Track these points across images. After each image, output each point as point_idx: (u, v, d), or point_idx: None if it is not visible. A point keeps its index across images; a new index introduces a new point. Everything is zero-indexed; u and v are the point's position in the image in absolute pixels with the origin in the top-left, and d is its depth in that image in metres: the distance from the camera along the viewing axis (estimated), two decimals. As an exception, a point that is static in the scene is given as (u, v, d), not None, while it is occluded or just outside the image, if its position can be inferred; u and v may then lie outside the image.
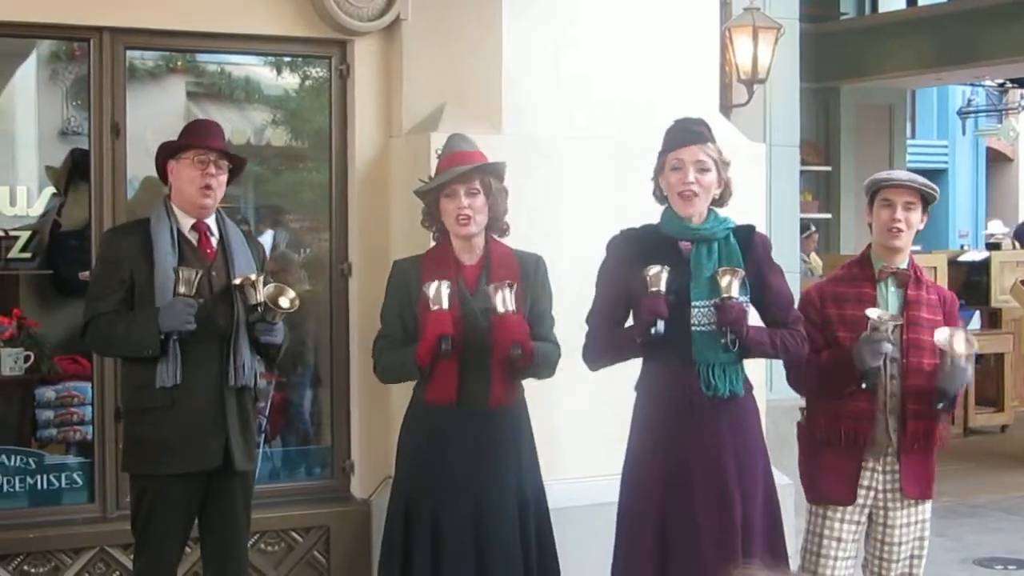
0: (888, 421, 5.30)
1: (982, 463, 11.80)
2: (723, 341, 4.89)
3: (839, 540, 5.40)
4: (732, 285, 4.86)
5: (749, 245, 5.07)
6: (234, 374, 5.30)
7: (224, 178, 5.41)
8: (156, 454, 5.27)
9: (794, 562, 5.59)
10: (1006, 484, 10.80)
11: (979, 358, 13.34)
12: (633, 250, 5.06)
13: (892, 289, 5.35)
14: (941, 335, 5.21)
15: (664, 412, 5.02)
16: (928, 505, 5.44)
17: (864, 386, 5.17)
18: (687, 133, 5.02)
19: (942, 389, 5.21)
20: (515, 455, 5.29)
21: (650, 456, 5.04)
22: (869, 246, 5.50)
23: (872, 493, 5.36)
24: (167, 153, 5.42)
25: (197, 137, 5.42)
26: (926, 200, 5.39)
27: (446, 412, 5.18)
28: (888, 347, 5.12)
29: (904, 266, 5.38)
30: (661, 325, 4.84)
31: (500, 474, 5.23)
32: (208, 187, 5.33)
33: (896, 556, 5.41)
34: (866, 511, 5.39)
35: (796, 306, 5.30)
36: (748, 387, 5.11)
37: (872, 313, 5.17)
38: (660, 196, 5.15)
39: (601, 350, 5.16)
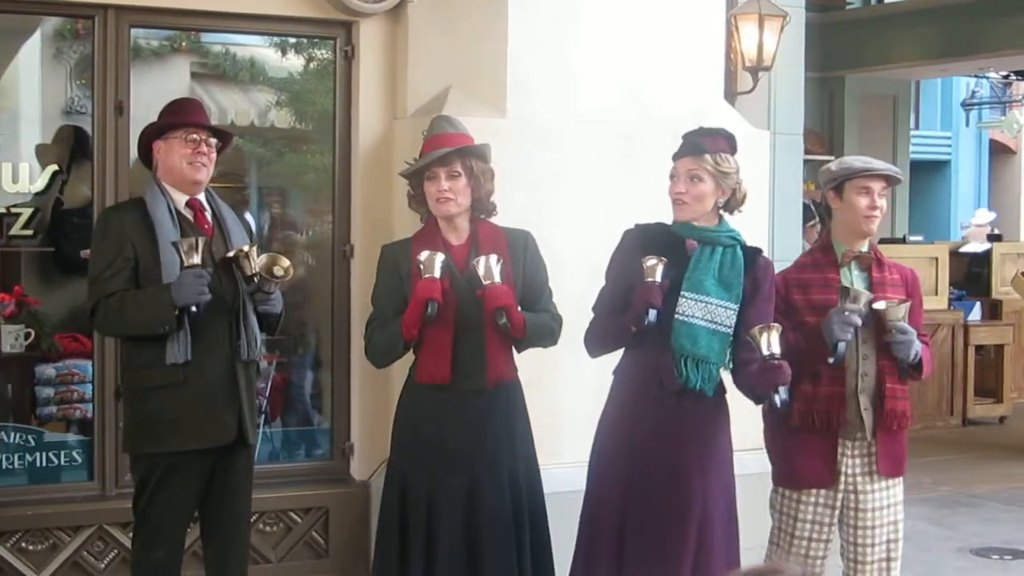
0: (860, 401, 5.34)
1: (981, 454, 11.81)
2: (777, 399, 4.92)
3: (818, 524, 5.42)
4: (772, 340, 4.91)
5: (753, 263, 5.15)
6: (246, 347, 5.30)
7: (214, 155, 5.41)
8: (168, 432, 5.22)
9: (757, 552, 5.59)
10: (1004, 475, 10.80)
11: (979, 349, 13.37)
12: (641, 243, 5.14)
13: (856, 272, 5.42)
14: (878, 304, 5.28)
15: (634, 394, 5.11)
16: (900, 487, 5.46)
17: (831, 361, 5.19)
18: (686, 144, 5.14)
19: (900, 361, 5.31)
20: (508, 433, 5.31)
21: (615, 435, 5.15)
22: (829, 232, 5.55)
23: (844, 477, 5.39)
24: (154, 133, 5.41)
25: (186, 115, 5.41)
26: (895, 182, 5.56)
27: (440, 390, 5.21)
28: (858, 320, 5.16)
29: (865, 249, 5.46)
30: (653, 314, 4.91)
31: (494, 452, 5.25)
32: (200, 163, 5.33)
33: (872, 540, 5.42)
34: (839, 495, 5.41)
35: None
36: (720, 391, 5.16)
37: (847, 284, 5.28)
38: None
39: (599, 338, 5.25)
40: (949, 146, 27.28)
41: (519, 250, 5.34)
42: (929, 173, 25.67)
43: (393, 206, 6.80)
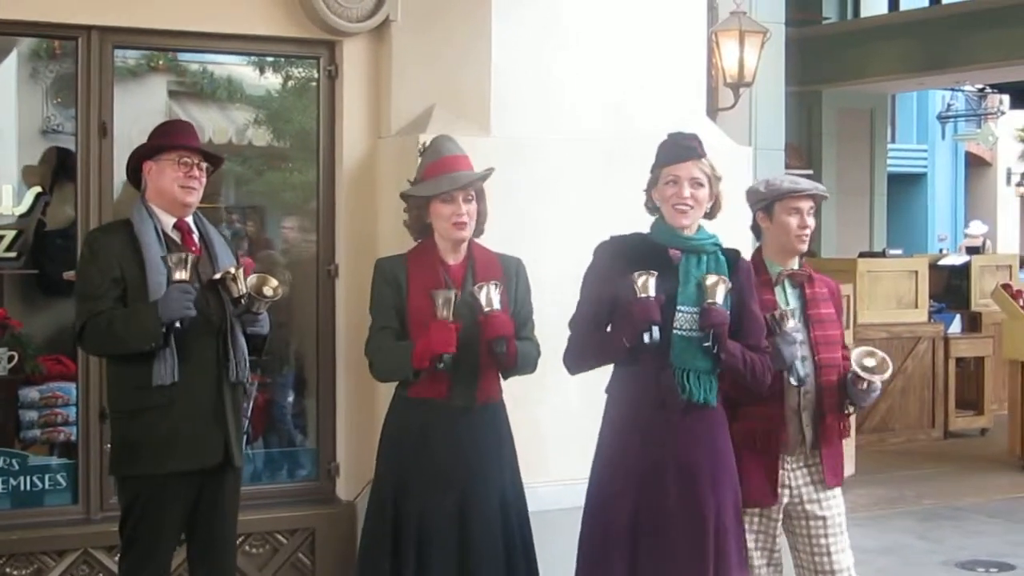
0: (802, 418, 5.36)
1: (962, 466, 11.84)
2: (705, 344, 4.92)
3: (762, 534, 5.44)
4: (718, 292, 4.91)
5: (735, 268, 5.12)
6: (235, 369, 5.29)
7: (204, 178, 5.40)
8: (154, 454, 5.19)
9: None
10: (987, 487, 10.84)
11: (959, 361, 13.42)
12: (621, 257, 5.07)
13: (790, 290, 5.46)
14: (857, 356, 5.35)
15: (637, 413, 5.03)
16: (839, 492, 5.50)
17: (794, 382, 5.24)
18: (683, 149, 5.07)
19: (854, 403, 5.43)
20: (497, 451, 5.32)
21: (621, 457, 5.05)
22: (759, 250, 5.58)
23: (788, 491, 5.41)
24: (145, 154, 5.39)
25: (179, 138, 5.40)
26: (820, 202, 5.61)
27: (431, 407, 5.21)
28: (800, 336, 5.23)
29: (797, 266, 5.50)
30: (656, 331, 4.85)
31: (483, 470, 5.26)
32: (192, 187, 5.32)
33: (828, 549, 5.44)
34: (781, 511, 5.43)
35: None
36: (718, 398, 5.12)
37: (781, 302, 5.35)
38: (652, 207, 5.18)
39: (582, 354, 5.17)
40: (925, 159, 27.45)
41: (511, 276, 5.36)
42: (906, 186, 25.81)
43: (378, 225, 6.79)
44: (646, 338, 4.85)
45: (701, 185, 5.03)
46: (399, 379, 5.31)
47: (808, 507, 5.42)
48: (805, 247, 5.47)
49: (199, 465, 5.24)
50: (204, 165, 5.38)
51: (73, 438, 6.73)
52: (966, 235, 21.24)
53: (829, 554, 5.44)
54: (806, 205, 5.46)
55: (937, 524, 9.48)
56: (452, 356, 5.05)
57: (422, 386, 5.19)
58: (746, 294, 5.12)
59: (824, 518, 5.42)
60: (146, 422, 5.19)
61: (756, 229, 5.62)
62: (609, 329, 5.07)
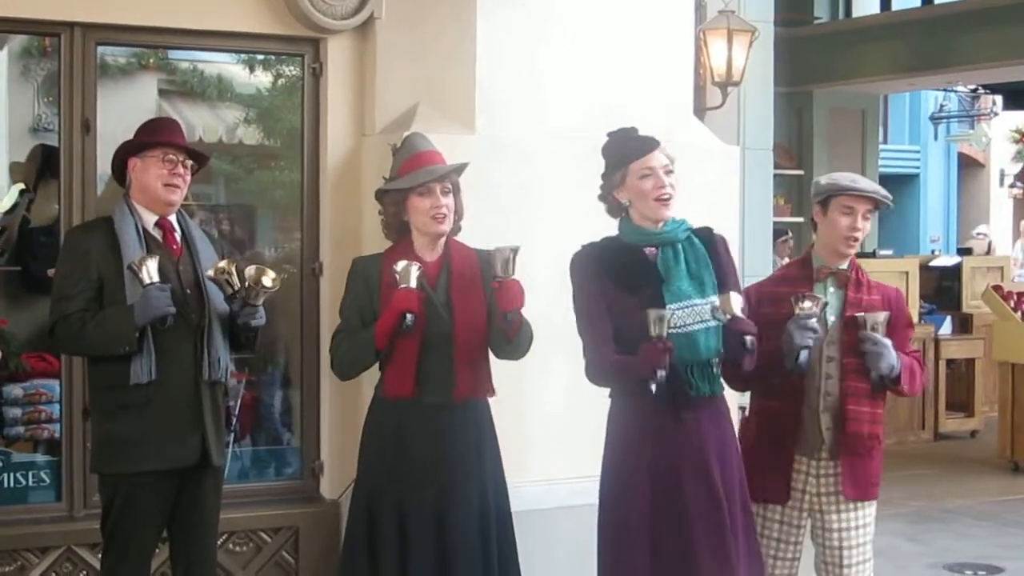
0: (821, 420, 5.30)
1: (952, 468, 11.85)
2: (747, 355, 4.90)
3: (776, 540, 5.42)
4: (732, 303, 4.90)
5: (712, 246, 5.08)
6: (208, 368, 5.28)
7: (189, 176, 5.40)
8: (131, 452, 5.20)
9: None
10: (976, 489, 10.84)
11: (950, 363, 13.42)
12: (600, 265, 5.04)
13: (832, 290, 5.36)
14: (860, 313, 5.24)
15: (647, 414, 4.97)
16: (870, 508, 5.42)
17: (792, 369, 5.12)
18: (643, 140, 5.04)
19: (876, 373, 5.25)
20: (477, 450, 5.31)
21: (635, 460, 4.99)
22: (812, 246, 5.51)
23: (807, 496, 5.36)
24: (131, 150, 5.37)
25: (165, 135, 5.39)
26: (879, 205, 5.43)
27: (406, 405, 5.22)
28: (816, 324, 5.10)
29: (845, 267, 5.38)
30: (662, 375, 4.76)
31: (460, 468, 5.25)
32: (176, 185, 5.31)
33: (840, 561, 5.38)
34: (803, 514, 5.39)
35: None
36: (722, 386, 5.11)
37: (800, 295, 5.20)
38: (616, 209, 5.13)
39: (603, 375, 5.06)
40: (918, 160, 27.45)
41: (489, 271, 5.31)
42: (898, 187, 25.77)
43: (362, 223, 6.77)
44: (652, 387, 4.77)
45: (672, 172, 5.01)
46: (361, 367, 5.31)
47: (826, 517, 5.36)
48: (852, 250, 5.35)
49: (176, 464, 5.24)
50: (189, 164, 5.37)
51: (57, 435, 6.70)
52: (979, 235, 21.29)
53: (841, 566, 5.38)
54: (862, 207, 5.31)
55: (926, 526, 9.48)
56: (415, 315, 5.04)
57: (393, 385, 5.19)
58: (727, 267, 5.08)
59: (839, 531, 5.35)
60: (124, 420, 5.20)
61: (813, 223, 5.52)
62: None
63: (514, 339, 5.25)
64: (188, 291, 5.31)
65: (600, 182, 5.17)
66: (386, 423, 5.27)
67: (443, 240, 5.35)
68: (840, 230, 5.31)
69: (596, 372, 5.03)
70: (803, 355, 5.11)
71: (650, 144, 5.02)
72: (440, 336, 5.16)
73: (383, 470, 5.24)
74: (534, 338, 5.41)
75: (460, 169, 5.36)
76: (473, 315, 5.27)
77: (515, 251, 5.18)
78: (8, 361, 6.95)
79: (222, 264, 5.28)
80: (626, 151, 5.04)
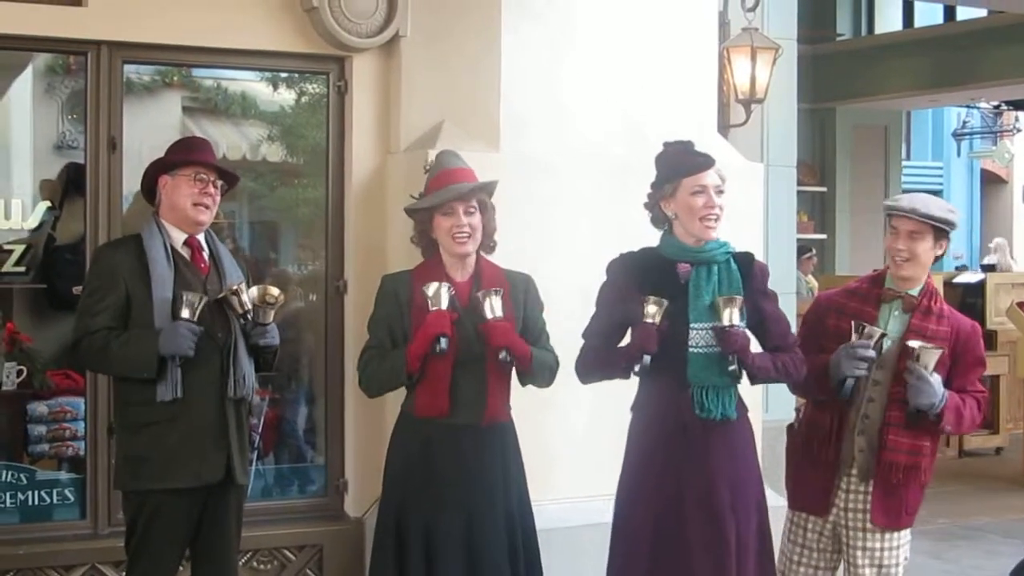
0: (856, 441, 5.26)
1: (978, 486, 11.77)
2: (731, 368, 4.87)
3: (809, 548, 5.40)
4: (733, 314, 4.86)
5: (749, 273, 5.05)
6: (234, 385, 5.27)
7: (219, 196, 5.39)
8: (156, 469, 5.19)
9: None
10: (1002, 507, 10.77)
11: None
12: (631, 273, 5.05)
13: (896, 313, 5.28)
14: (911, 342, 5.16)
15: (657, 433, 4.99)
16: (899, 535, 5.33)
17: (839, 395, 5.12)
18: (700, 156, 5.01)
19: (917, 407, 5.16)
20: (503, 471, 5.27)
21: (643, 478, 5.02)
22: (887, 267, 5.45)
23: (836, 511, 5.33)
24: (162, 168, 5.38)
25: (197, 154, 5.39)
26: (940, 228, 5.27)
27: (436, 425, 5.17)
28: (870, 354, 5.08)
29: (915, 292, 5.29)
30: (647, 360, 4.82)
31: (489, 489, 5.21)
32: (205, 204, 5.31)
33: None
34: (832, 527, 5.36)
35: (794, 330, 5.28)
36: (743, 410, 5.07)
37: (884, 321, 5.19)
38: (660, 220, 5.12)
39: (592, 366, 5.15)
40: (941, 176, 27.40)
41: (520, 291, 5.31)
42: (921, 203, 25.69)
43: (387, 241, 6.78)
44: (636, 367, 4.85)
45: (722, 192, 4.99)
46: (390, 388, 5.29)
47: (852, 534, 5.31)
48: (904, 272, 5.25)
49: (199, 482, 5.23)
50: (220, 184, 5.37)
51: (81, 453, 6.73)
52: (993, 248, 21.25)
53: None
54: (904, 227, 5.24)
55: (952, 544, 9.42)
56: (448, 338, 5.02)
57: (425, 404, 5.16)
58: (759, 297, 5.05)
59: (863, 551, 5.29)
60: (149, 437, 5.19)
61: None
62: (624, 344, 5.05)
63: (529, 371, 5.23)
64: (215, 310, 5.29)
65: (648, 190, 5.14)
66: (414, 441, 5.24)
67: (472, 259, 5.30)
68: (887, 251, 5.33)
69: (582, 357, 5.13)
70: (848, 383, 5.11)
71: (706, 162, 5.00)
72: (473, 357, 5.13)
73: (411, 489, 5.22)
74: (559, 366, 5.36)
75: (486, 187, 5.30)
76: (504, 337, 5.21)
77: (497, 293, 5.12)
78: (33, 378, 6.97)
79: (234, 286, 5.27)
80: (681, 164, 5.01)
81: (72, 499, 6.69)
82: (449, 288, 5.10)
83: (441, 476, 5.17)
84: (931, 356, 5.10)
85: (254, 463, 6.86)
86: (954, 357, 5.25)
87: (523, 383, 5.31)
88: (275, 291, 5.34)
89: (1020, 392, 12.95)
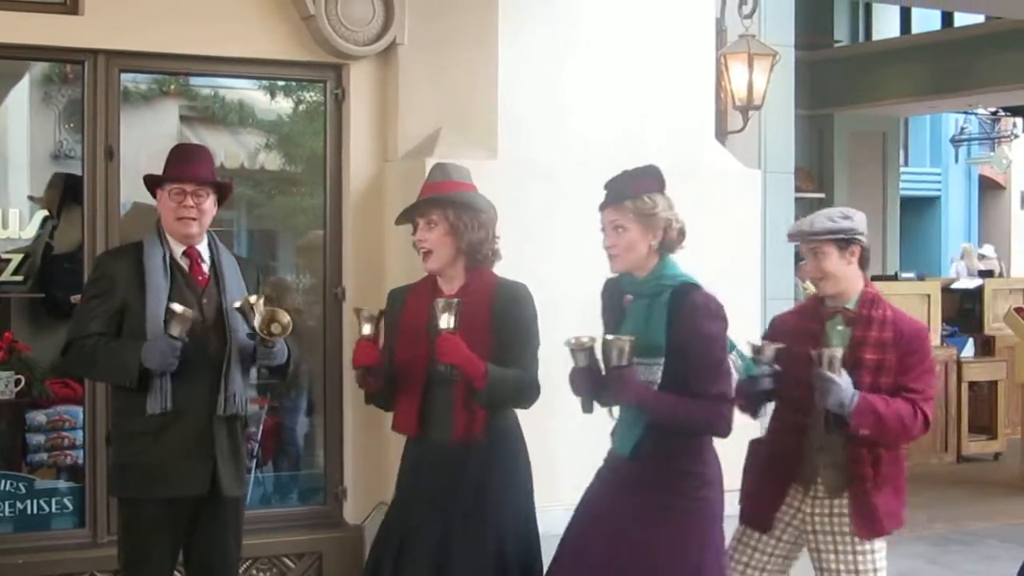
0: (818, 457, 5.20)
1: (975, 491, 11.77)
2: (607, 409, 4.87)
3: (745, 565, 5.33)
4: (622, 353, 4.70)
5: (678, 308, 4.78)
6: (223, 403, 5.27)
7: (207, 204, 5.34)
8: (143, 479, 5.23)
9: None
10: (1000, 512, 10.76)
11: (972, 385, 13.37)
12: (601, 300, 5.08)
13: (839, 328, 5.23)
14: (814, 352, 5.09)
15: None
16: (872, 545, 5.23)
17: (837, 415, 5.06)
18: (607, 194, 4.95)
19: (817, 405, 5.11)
20: (479, 490, 5.08)
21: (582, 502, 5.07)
22: None
23: (802, 533, 5.26)
24: (149, 184, 5.40)
25: (173, 167, 5.34)
26: (844, 239, 5.22)
27: (415, 441, 5.15)
28: (834, 378, 4.99)
29: (851, 305, 5.24)
30: (586, 403, 4.83)
31: (469, 506, 5.06)
32: (187, 218, 5.29)
33: None
34: (783, 546, 5.31)
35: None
36: (659, 453, 4.83)
37: (831, 334, 5.17)
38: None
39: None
40: (939, 182, 27.40)
41: (501, 302, 5.12)
42: (919, 209, 25.77)
43: (385, 248, 6.79)
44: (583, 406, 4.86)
45: (624, 229, 4.84)
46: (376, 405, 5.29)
47: (824, 555, 5.24)
48: (822, 290, 5.24)
49: (182, 493, 5.25)
50: (204, 191, 5.32)
51: (80, 462, 6.73)
52: (981, 256, 21.20)
53: None
54: (807, 247, 5.25)
55: (950, 549, 9.42)
56: (365, 369, 5.00)
57: (397, 422, 5.15)
58: (686, 334, 4.73)
59: (837, 572, 5.22)
60: (137, 447, 5.24)
61: None
62: None
63: (483, 392, 4.96)
64: (209, 324, 5.30)
65: None
66: (406, 456, 5.21)
67: (461, 271, 5.14)
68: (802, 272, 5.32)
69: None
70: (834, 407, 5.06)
71: (605, 200, 4.94)
72: (442, 375, 5.03)
73: (400, 500, 5.20)
74: (536, 390, 5.19)
75: (436, 201, 5.10)
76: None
77: (452, 304, 4.92)
78: (32, 388, 6.97)
79: (252, 299, 5.24)
80: (603, 199, 4.98)
81: (71, 508, 6.70)
82: (369, 312, 5.05)
83: (421, 490, 5.13)
84: (834, 356, 5.03)
85: (252, 471, 6.86)
86: (899, 360, 5.18)
87: (481, 405, 5.02)
88: (284, 320, 5.23)
89: (1018, 397, 12.95)
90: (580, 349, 4.79)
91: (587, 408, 4.89)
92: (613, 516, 4.87)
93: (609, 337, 4.75)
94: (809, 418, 5.19)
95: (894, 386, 5.13)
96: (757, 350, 5.13)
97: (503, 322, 5.08)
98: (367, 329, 5.01)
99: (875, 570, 5.25)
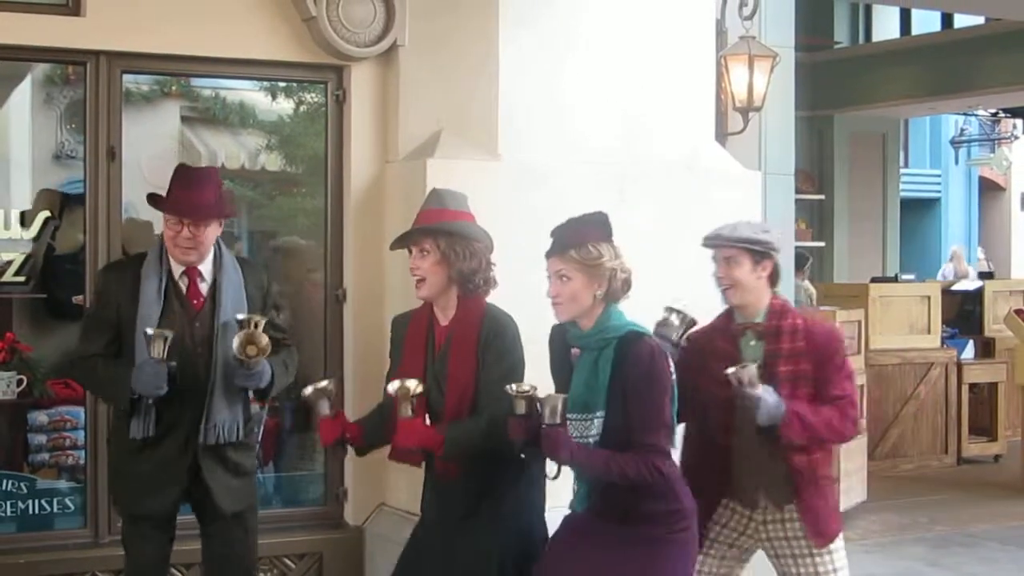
0: (756, 471, 5.15)
1: (976, 493, 11.76)
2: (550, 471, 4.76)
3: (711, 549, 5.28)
4: (555, 412, 4.60)
5: (622, 359, 4.70)
6: (205, 433, 5.30)
7: (206, 233, 5.31)
8: (120, 488, 5.49)
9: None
10: (1000, 514, 10.75)
11: (973, 387, 13.36)
12: (550, 351, 4.98)
13: (752, 343, 5.17)
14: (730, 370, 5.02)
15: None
16: (829, 550, 5.19)
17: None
18: (552, 242, 4.85)
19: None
20: (466, 519, 5.04)
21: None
22: None
23: (760, 544, 5.23)
24: (154, 205, 5.44)
25: (174, 195, 5.31)
26: (760, 251, 5.17)
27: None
28: (757, 394, 4.94)
29: (760, 319, 5.18)
30: (552, 468, 4.71)
31: (467, 525, 5.02)
32: (184, 247, 5.29)
33: None
34: (728, 563, 5.27)
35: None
36: (615, 504, 4.74)
37: (744, 351, 5.12)
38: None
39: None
40: (939, 184, 27.41)
41: (486, 335, 5.04)
42: (919, 211, 25.79)
43: (385, 249, 6.76)
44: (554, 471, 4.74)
45: (568, 279, 4.73)
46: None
47: (782, 561, 5.22)
48: (729, 299, 5.18)
49: (146, 511, 5.36)
50: (208, 222, 5.31)
51: (81, 462, 6.75)
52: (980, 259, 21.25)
53: None
54: (719, 255, 5.18)
55: (950, 551, 9.41)
56: (336, 443, 5.11)
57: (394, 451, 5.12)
58: (630, 385, 4.65)
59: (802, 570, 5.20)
60: (120, 462, 5.46)
61: None
62: None
63: (446, 456, 4.92)
64: (198, 349, 5.31)
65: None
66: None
67: (453, 300, 5.08)
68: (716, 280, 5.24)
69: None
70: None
71: (550, 249, 4.84)
72: (434, 412, 5.04)
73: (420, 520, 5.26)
74: (499, 433, 4.88)
75: (428, 230, 5.06)
76: (460, 391, 5.01)
77: (412, 398, 4.87)
78: (33, 388, 6.98)
79: (256, 318, 5.25)
80: (549, 247, 4.89)
81: (72, 508, 6.72)
82: (327, 384, 5.07)
83: (427, 509, 5.20)
84: (751, 373, 4.98)
85: (246, 495, 6.88)
86: (815, 368, 5.14)
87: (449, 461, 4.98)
88: (262, 342, 5.21)
89: (1018, 399, 12.94)
90: (521, 396, 4.67)
91: (554, 475, 4.74)
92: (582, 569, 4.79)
93: (541, 395, 4.66)
94: (734, 438, 5.14)
95: (814, 396, 5.10)
96: (749, 381, 4.99)
97: (486, 354, 5.01)
98: (324, 408, 5.04)
99: (835, 570, 5.22)
